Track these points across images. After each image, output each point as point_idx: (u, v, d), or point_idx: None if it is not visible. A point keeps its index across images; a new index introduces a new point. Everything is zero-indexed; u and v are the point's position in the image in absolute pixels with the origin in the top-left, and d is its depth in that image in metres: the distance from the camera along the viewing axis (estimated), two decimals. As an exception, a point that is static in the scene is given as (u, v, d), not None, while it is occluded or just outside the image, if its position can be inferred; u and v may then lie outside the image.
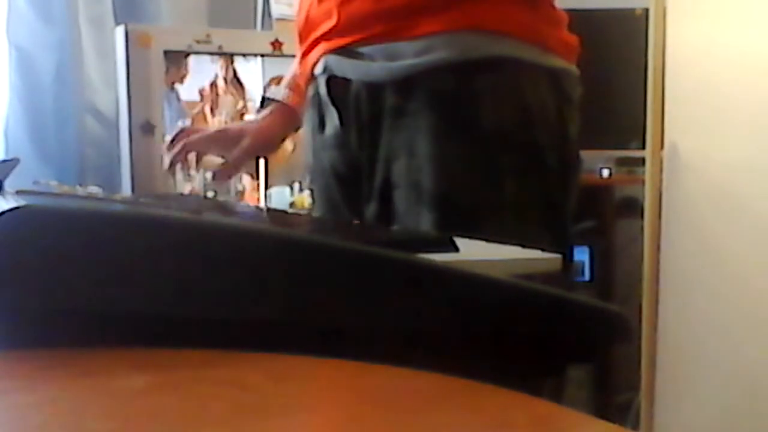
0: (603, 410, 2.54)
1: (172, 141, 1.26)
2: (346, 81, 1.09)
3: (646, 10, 2.01)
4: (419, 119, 1.02)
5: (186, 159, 1.24)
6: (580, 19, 2.82)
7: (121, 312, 0.40)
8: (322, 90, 1.13)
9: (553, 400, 0.35)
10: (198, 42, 1.91)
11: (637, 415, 2.08)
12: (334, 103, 1.12)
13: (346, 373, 0.39)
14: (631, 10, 2.46)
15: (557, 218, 1.04)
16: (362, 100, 1.08)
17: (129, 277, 0.40)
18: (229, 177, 1.28)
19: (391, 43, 1.04)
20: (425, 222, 1.01)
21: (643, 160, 2.03)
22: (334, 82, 1.11)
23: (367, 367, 0.38)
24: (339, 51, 1.09)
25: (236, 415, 0.32)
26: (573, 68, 1.08)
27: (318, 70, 1.13)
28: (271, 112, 1.27)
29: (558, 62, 1.05)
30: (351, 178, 1.12)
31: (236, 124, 1.29)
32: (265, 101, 1.29)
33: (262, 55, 2.02)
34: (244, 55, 2.03)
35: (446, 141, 1.01)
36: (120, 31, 1.87)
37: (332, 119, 1.13)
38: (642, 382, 2.00)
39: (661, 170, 1.94)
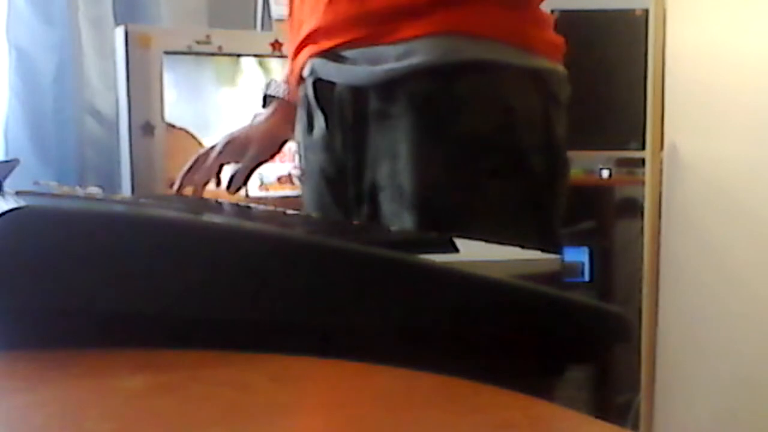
0: (602, 411, 2.54)
1: (189, 169, 1.28)
2: (332, 84, 1.10)
3: (646, 11, 2.01)
4: (401, 123, 1.03)
5: (205, 185, 1.27)
6: (580, 19, 2.83)
7: (121, 312, 0.40)
8: (309, 93, 1.15)
9: (546, 397, 0.36)
10: (198, 43, 1.91)
11: (636, 416, 2.08)
12: (320, 106, 1.13)
13: (346, 373, 0.39)
14: (631, 10, 2.46)
15: (543, 221, 1.04)
16: (346, 104, 1.09)
17: (129, 277, 0.40)
18: (241, 187, 1.29)
19: (374, 46, 1.04)
20: (407, 224, 1.01)
21: (642, 161, 2.03)
22: (320, 85, 1.12)
23: (367, 368, 0.38)
24: (324, 54, 1.10)
25: (236, 416, 0.32)
26: (559, 68, 1.08)
27: (305, 72, 1.15)
28: (273, 111, 1.27)
29: (543, 63, 1.05)
30: (339, 180, 1.13)
31: (242, 131, 1.29)
32: (266, 99, 1.29)
33: (262, 56, 2.02)
34: (243, 55, 2.03)
35: (427, 144, 1.02)
36: (120, 31, 1.87)
37: (319, 122, 1.14)
38: (642, 383, 2.00)
39: (660, 171, 1.94)
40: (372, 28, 1.04)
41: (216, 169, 1.26)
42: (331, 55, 1.09)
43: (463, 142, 1.01)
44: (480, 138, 1.01)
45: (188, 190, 1.29)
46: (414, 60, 1.01)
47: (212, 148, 1.28)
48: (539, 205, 1.04)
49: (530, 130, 1.03)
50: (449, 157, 1.01)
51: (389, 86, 1.04)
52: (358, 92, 1.07)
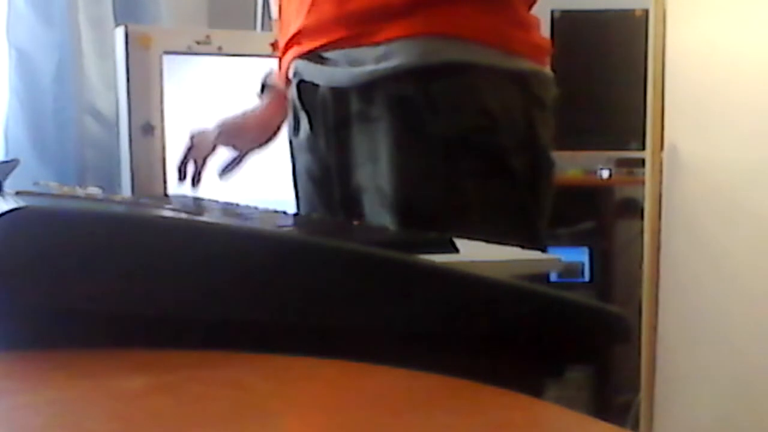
0: (602, 411, 2.54)
1: (185, 157, 1.30)
2: (315, 86, 1.10)
3: (646, 11, 2.01)
4: (381, 124, 1.03)
5: (203, 166, 1.29)
6: (580, 19, 2.83)
7: (121, 312, 0.40)
8: (294, 94, 1.15)
9: (545, 397, 0.36)
10: (198, 43, 1.90)
11: (636, 416, 2.08)
12: (304, 108, 1.14)
13: (346, 373, 0.39)
14: (631, 11, 2.46)
15: (525, 222, 1.03)
16: (328, 106, 1.09)
17: (129, 277, 0.40)
18: (232, 172, 1.30)
19: (354, 48, 1.05)
20: (388, 226, 1.00)
21: (642, 161, 2.03)
22: (303, 86, 1.13)
23: (366, 368, 0.38)
24: (307, 56, 1.10)
25: (236, 416, 0.32)
26: (544, 70, 1.07)
27: (290, 74, 1.15)
28: (271, 101, 1.28)
29: (525, 65, 1.04)
30: (324, 182, 1.14)
31: (235, 117, 1.29)
32: (265, 88, 1.30)
33: (262, 56, 2.01)
34: (243, 56, 2.02)
35: (406, 146, 1.02)
36: (120, 31, 1.87)
37: (304, 123, 1.15)
38: (642, 383, 2.00)
39: (660, 171, 1.94)
40: (352, 30, 1.04)
41: (210, 150, 1.28)
42: (313, 56, 1.09)
43: (442, 144, 1.01)
44: (458, 139, 1.01)
45: (188, 173, 1.30)
46: (392, 62, 1.01)
47: (203, 132, 1.29)
48: (521, 206, 1.04)
49: (510, 132, 1.02)
50: (428, 159, 1.01)
51: (369, 88, 1.04)
52: (339, 94, 1.07)
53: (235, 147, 1.29)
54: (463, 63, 1.01)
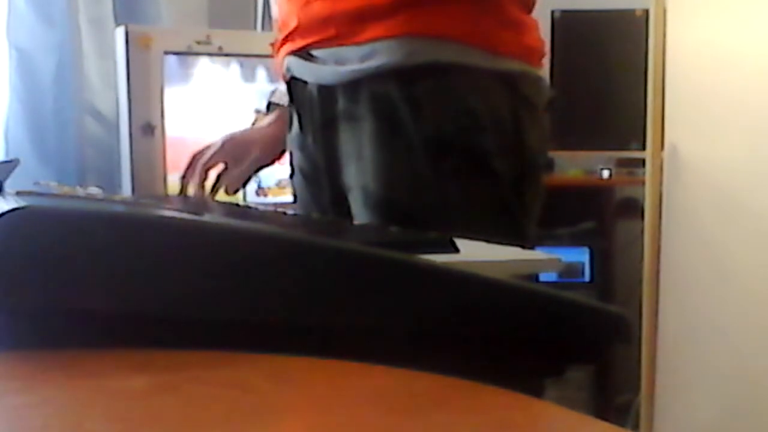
0: (602, 411, 2.54)
1: (188, 167, 1.27)
2: (304, 83, 1.11)
3: (646, 11, 2.01)
4: (365, 124, 1.03)
5: (205, 180, 1.26)
6: (580, 19, 2.83)
7: (121, 312, 0.40)
8: (284, 90, 1.16)
9: (545, 397, 0.36)
10: (198, 43, 1.90)
11: (636, 417, 2.08)
12: (294, 104, 1.14)
13: (346, 373, 0.39)
14: (631, 11, 2.46)
15: (510, 224, 1.02)
16: (316, 103, 1.09)
17: (129, 277, 0.40)
18: (238, 189, 1.29)
19: (340, 47, 1.05)
20: None
21: (643, 161, 2.03)
22: (294, 83, 1.13)
23: (367, 368, 0.38)
24: (298, 53, 1.11)
25: (236, 417, 0.32)
26: (535, 71, 1.06)
27: (283, 70, 1.16)
28: (276, 119, 1.28)
29: (513, 65, 1.03)
30: (314, 179, 1.14)
31: (243, 133, 1.28)
32: (270, 106, 1.30)
33: (262, 56, 2.01)
34: (244, 56, 2.02)
35: (389, 146, 1.02)
36: (120, 32, 1.87)
37: (295, 120, 1.15)
38: (642, 383, 2.00)
39: (661, 171, 1.94)
40: (340, 29, 1.05)
41: (210, 165, 1.26)
42: (303, 53, 1.10)
43: (425, 144, 1.01)
44: (441, 140, 1.01)
45: (190, 190, 1.29)
46: (376, 61, 1.02)
47: (208, 146, 1.28)
48: (504, 207, 1.03)
49: (495, 132, 1.01)
50: (411, 159, 1.01)
51: (354, 87, 1.04)
52: (327, 92, 1.07)
53: (234, 164, 1.27)
54: (446, 63, 1.01)
